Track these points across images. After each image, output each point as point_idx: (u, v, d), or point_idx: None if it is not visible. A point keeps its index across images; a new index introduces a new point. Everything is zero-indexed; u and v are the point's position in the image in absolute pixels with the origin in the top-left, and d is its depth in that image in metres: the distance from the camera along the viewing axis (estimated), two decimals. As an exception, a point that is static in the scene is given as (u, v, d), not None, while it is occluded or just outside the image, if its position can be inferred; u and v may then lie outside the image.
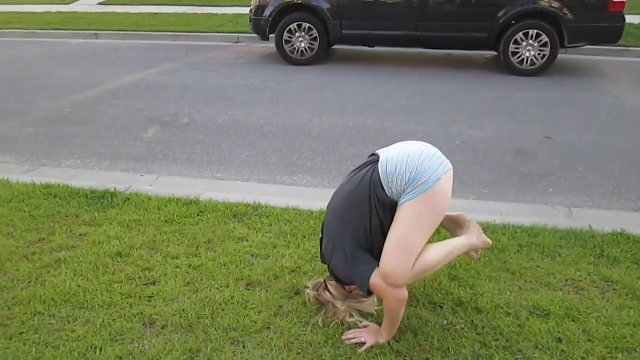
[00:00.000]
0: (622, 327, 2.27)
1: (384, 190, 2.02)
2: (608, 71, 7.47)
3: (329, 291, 2.33)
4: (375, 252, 2.11)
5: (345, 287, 2.31)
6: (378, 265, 2.06)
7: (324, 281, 2.36)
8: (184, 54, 8.64)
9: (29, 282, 2.60)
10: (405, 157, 2.02)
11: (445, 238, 2.38)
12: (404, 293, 2.07)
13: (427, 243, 2.06)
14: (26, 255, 2.82)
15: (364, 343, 2.16)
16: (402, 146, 2.10)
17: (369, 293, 2.15)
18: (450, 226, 2.40)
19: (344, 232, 2.12)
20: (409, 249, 2.01)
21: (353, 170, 2.20)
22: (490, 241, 2.30)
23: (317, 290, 2.37)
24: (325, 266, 2.29)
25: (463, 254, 2.26)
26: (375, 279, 2.06)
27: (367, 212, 2.07)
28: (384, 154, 2.09)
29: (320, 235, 2.33)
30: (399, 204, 2.02)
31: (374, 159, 2.12)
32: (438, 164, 2.01)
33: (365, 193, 2.06)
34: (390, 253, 2.02)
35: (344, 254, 2.12)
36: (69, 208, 3.35)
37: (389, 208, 2.05)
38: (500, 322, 2.31)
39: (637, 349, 2.15)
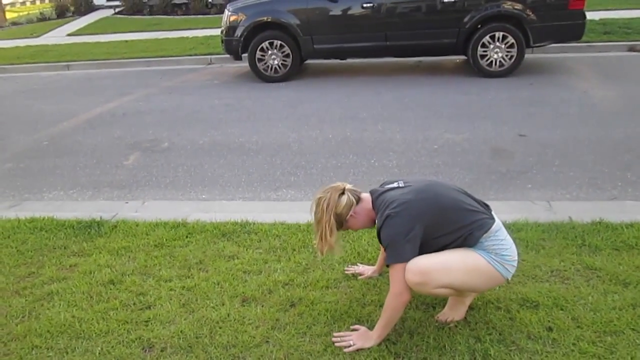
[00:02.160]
0: (609, 312, 2.35)
1: (481, 234, 2.16)
2: (574, 67, 7.70)
3: (341, 200, 2.26)
4: (420, 251, 2.16)
5: (351, 214, 2.27)
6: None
7: (345, 189, 2.29)
8: (158, 79, 8.67)
9: (23, 316, 2.59)
10: (512, 243, 2.24)
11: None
12: (408, 296, 2.15)
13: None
14: (17, 290, 2.81)
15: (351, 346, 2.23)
16: (507, 233, 2.28)
17: (387, 265, 2.19)
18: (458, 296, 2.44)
19: (427, 217, 2.14)
20: (450, 275, 2.12)
21: (467, 193, 2.30)
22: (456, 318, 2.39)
23: (331, 194, 2.28)
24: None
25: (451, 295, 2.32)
26: (400, 269, 2.11)
27: (453, 229, 2.17)
28: (499, 220, 2.26)
29: (398, 184, 2.28)
30: (473, 247, 2.17)
31: (488, 211, 2.27)
32: (514, 270, 2.24)
33: (469, 221, 2.17)
34: (437, 261, 2.12)
35: (411, 226, 2.11)
36: (57, 240, 3.34)
37: (467, 245, 2.18)
38: (492, 316, 2.37)
39: (625, 331, 2.23)
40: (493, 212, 2.30)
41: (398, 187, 2.25)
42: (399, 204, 2.14)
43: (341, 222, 2.30)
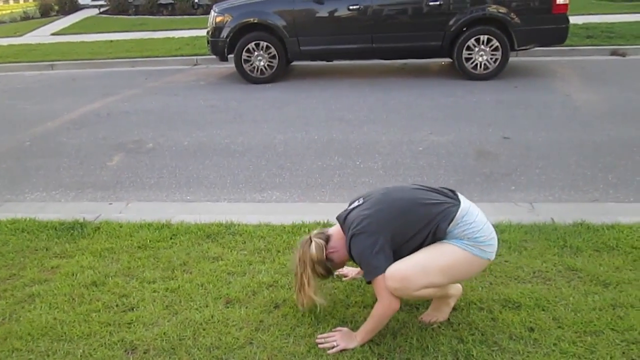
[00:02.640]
0: (589, 312, 2.38)
1: (448, 225, 2.15)
2: (558, 71, 7.80)
3: (311, 249, 2.31)
4: (396, 258, 2.17)
5: (330, 250, 2.32)
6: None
7: (310, 238, 2.34)
8: (143, 79, 8.62)
9: (3, 319, 2.55)
10: (484, 223, 2.21)
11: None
12: (397, 303, 2.17)
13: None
14: (-3, 292, 2.78)
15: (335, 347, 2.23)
16: (480, 211, 2.27)
17: (368, 282, 2.22)
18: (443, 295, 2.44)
19: (389, 224, 2.17)
20: (429, 274, 2.12)
21: (427, 187, 2.32)
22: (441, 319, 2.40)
23: (302, 248, 2.34)
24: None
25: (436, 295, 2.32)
26: (383, 278, 2.12)
27: (419, 228, 2.16)
28: (467, 202, 2.25)
29: (358, 202, 2.31)
30: (446, 240, 2.16)
31: (453, 196, 2.25)
32: (495, 249, 2.22)
33: (432, 215, 2.17)
34: (413, 264, 2.12)
35: (375, 239, 2.14)
36: (38, 242, 3.30)
37: (436, 238, 2.17)
38: (475, 317, 2.39)
39: (604, 331, 2.26)
40: (460, 195, 2.28)
41: (358, 206, 2.29)
42: (359, 221, 2.19)
43: (326, 266, 2.34)
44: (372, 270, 2.16)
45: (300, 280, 2.32)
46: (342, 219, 2.32)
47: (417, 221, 2.17)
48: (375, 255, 2.14)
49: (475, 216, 2.21)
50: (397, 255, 2.17)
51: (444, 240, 2.17)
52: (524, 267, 2.77)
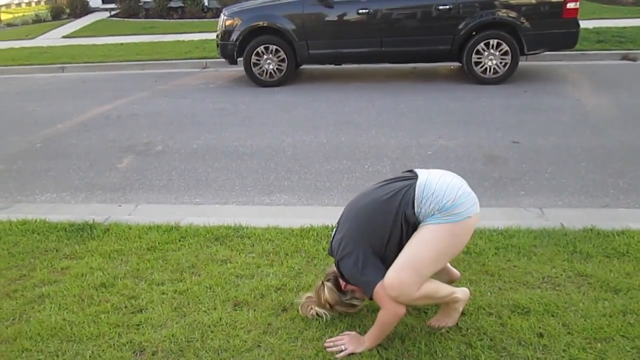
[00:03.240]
0: (599, 319, 2.36)
1: (413, 208, 2.10)
2: (568, 75, 7.76)
3: (323, 293, 2.37)
4: (387, 263, 2.16)
5: (343, 284, 2.35)
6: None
7: (322, 283, 2.40)
8: (153, 82, 8.67)
9: (13, 319, 2.57)
10: (446, 186, 2.11)
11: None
12: (402, 309, 2.16)
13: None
14: (8, 293, 2.80)
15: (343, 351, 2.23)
16: (441, 175, 2.18)
17: (370, 298, 2.22)
18: (442, 275, 2.47)
19: (361, 235, 2.18)
20: (420, 270, 2.09)
21: (387, 180, 2.27)
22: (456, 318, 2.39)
23: (317, 291, 2.40)
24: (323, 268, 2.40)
25: (455, 302, 2.33)
26: (380, 288, 2.12)
27: (390, 224, 2.13)
28: (424, 175, 2.17)
29: (335, 228, 2.35)
30: (422, 224, 2.10)
31: (412, 176, 2.20)
32: (472, 204, 2.12)
33: (395, 206, 2.12)
34: (402, 267, 2.09)
35: (355, 256, 2.16)
36: (48, 243, 3.32)
37: (411, 226, 2.13)
38: (484, 322, 2.38)
39: (615, 338, 2.24)
40: (419, 171, 2.23)
41: (335, 233, 2.33)
42: (337, 247, 2.24)
43: (348, 303, 2.38)
44: (367, 286, 2.16)
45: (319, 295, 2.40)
46: (330, 252, 2.37)
47: (384, 220, 2.14)
48: (363, 271, 2.15)
49: (435, 184, 2.11)
50: (387, 260, 2.16)
51: (421, 225, 2.11)
52: (534, 272, 2.76)
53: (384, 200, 2.16)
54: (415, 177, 2.18)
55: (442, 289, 2.25)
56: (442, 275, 2.47)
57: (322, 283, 2.40)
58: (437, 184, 2.11)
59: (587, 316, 2.38)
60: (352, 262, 2.17)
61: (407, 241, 2.14)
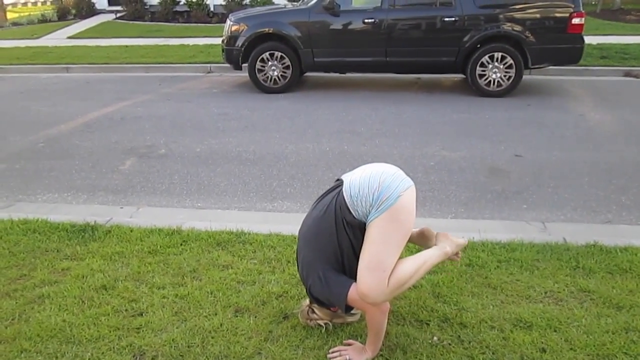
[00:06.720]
0: (602, 335, 2.35)
1: (350, 213, 2.10)
2: (571, 90, 7.78)
3: (315, 314, 2.40)
4: (349, 274, 2.18)
5: (330, 308, 2.36)
6: (354, 282, 2.13)
7: (309, 306, 2.42)
8: (157, 85, 8.68)
9: (12, 319, 2.56)
10: (367, 179, 2.11)
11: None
12: (386, 305, 2.15)
13: (399, 259, 2.12)
14: (8, 292, 2.78)
15: None
16: (364, 169, 2.19)
17: (347, 310, 2.23)
18: (419, 241, 2.50)
19: (315, 257, 2.20)
20: (382, 267, 2.07)
21: (320, 197, 2.30)
22: (463, 241, 2.38)
23: (307, 315, 2.42)
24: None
25: (439, 263, 2.32)
26: (353, 296, 2.12)
27: (335, 236, 2.14)
28: (348, 178, 2.19)
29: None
30: (367, 224, 2.10)
31: (339, 184, 2.22)
32: (398, 182, 2.10)
33: (332, 217, 2.14)
34: (364, 273, 2.08)
35: (317, 277, 2.19)
36: (50, 243, 3.31)
37: (358, 229, 2.13)
38: (486, 335, 2.37)
39: (617, 355, 2.23)
40: (345, 176, 2.22)
41: (297, 265, 2.38)
42: (301, 276, 2.31)
43: (336, 315, 2.42)
44: (339, 298, 2.17)
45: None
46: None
47: (329, 234, 2.15)
48: (329, 287, 2.17)
49: (358, 183, 2.11)
50: (352, 270, 2.15)
51: (366, 226, 2.09)
52: (536, 286, 2.75)
53: (321, 217, 2.18)
54: (342, 183, 2.20)
55: (409, 266, 2.12)
56: (419, 241, 2.51)
57: (309, 306, 2.42)
58: (359, 181, 2.12)
59: (590, 332, 2.37)
60: (318, 285, 2.20)
61: (360, 247, 2.13)
